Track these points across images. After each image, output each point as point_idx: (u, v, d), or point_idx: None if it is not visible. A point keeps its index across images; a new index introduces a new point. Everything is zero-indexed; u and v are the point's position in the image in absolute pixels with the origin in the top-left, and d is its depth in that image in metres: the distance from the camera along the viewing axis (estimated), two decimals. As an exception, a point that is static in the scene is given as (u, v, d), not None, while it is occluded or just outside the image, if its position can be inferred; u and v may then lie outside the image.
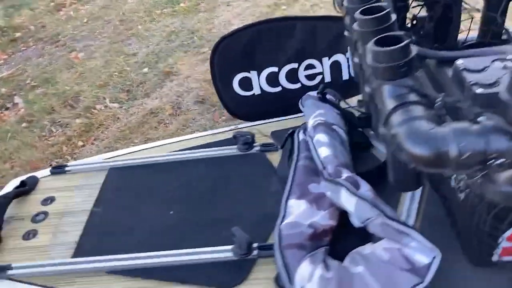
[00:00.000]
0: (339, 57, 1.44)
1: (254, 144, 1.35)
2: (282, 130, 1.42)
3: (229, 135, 1.42)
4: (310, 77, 1.47)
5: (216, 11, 3.55)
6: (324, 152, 1.13)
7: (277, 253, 0.98)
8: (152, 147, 1.44)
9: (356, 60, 1.08)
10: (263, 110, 1.53)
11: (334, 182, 1.03)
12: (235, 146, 1.36)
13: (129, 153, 1.43)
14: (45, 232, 1.22)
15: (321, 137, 1.17)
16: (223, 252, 1.07)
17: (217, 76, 1.49)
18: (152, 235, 1.16)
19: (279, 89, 1.49)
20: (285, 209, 1.07)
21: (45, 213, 1.26)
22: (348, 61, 1.44)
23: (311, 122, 1.24)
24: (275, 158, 1.33)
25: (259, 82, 1.47)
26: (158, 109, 2.83)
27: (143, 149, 1.44)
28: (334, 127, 1.22)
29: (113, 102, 2.98)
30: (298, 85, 1.48)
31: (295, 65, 1.45)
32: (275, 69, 1.46)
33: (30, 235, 1.21)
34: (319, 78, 1.47)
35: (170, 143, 1.45)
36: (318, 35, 1.41)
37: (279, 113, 1.52)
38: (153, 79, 3.06)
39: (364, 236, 1.01)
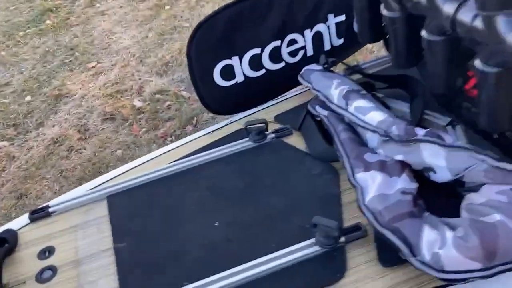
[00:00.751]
0: (320, 27, 1.37)
1: (266, 133, 1.23)
2: (285, 112, 1.31)
3: (230, 129, 1.28)
4: (293, 54, 1.38)
5: (91, 22, 3.23)
6: (377, 116, 1.05)
7: (383, 230, 0.88)
8: (149, 160, 1.23)
9: (390, 13, 1.03)
10: (246, 98, 1.40)
11: (411, 141, 0.96)
12: (247, 139, 1.22)
13: (122, 173, 1.20)
14: (64, 289, 0.96)
15: (362, 103, 1.10)
16: (306, 248, 0.94)
17: (195, 70, 1.31)
18: (209, 253, 0.98)
19: (262, 72, 1.37)
20: (360, 185, 0.98)
21: (52, 268, 1.00)
22: (329, 30, 1.38)
23: (336, 93, 1.15)
24: (293, 141, 1.22)
25: (242, 67, 1.34)
26: (62, 136, 2.49)
27: (138, 165, 1.21)
28: (362, 92, 1.16)
29: (0, 141, 2.55)
30: (281, 64, 1.38)
31: (277, 43, 1.34)
32: (258, 50, 1.33)
33: (47, 298, 0.95)
34: (301, 53, 1.38)
35: (170, 150, 1.24)
36: (296, 6, 1.33)
37: (263, 99, 1.42)
38: (42, 106, 2.70)
39: (442, 190, 0.97)
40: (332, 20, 1.37)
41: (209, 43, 1.29)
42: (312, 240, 0.95)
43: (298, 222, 1.00)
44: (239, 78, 1.35)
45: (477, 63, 0.82)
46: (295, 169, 1.14)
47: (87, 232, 1.07)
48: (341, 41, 1.41)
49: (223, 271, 0.91)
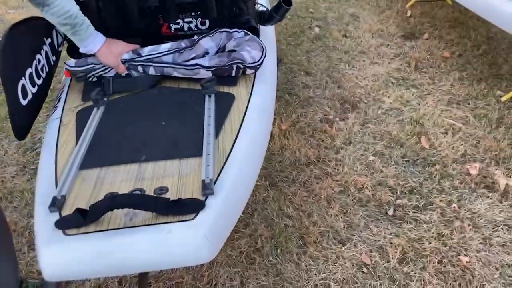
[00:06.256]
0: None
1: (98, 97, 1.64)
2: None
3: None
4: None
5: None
6: (167, 45, 1.72)
7: (231, 62, 1.69)
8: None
9: None
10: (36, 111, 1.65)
11: (195, 43, 1.75)
12: (94, 108, 1.61)
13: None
14: None
15: (150, 47, 1.74)
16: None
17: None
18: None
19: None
20: (196, 64, 1.71)
21: None
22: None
23: (125, 54, 1.74)
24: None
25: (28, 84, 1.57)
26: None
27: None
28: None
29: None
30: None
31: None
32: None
33: None
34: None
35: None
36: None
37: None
38: None
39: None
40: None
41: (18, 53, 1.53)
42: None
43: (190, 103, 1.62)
44: (30, 95, 1.61)
45: None
46: (151, 97, 1.67)
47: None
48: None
49: None
